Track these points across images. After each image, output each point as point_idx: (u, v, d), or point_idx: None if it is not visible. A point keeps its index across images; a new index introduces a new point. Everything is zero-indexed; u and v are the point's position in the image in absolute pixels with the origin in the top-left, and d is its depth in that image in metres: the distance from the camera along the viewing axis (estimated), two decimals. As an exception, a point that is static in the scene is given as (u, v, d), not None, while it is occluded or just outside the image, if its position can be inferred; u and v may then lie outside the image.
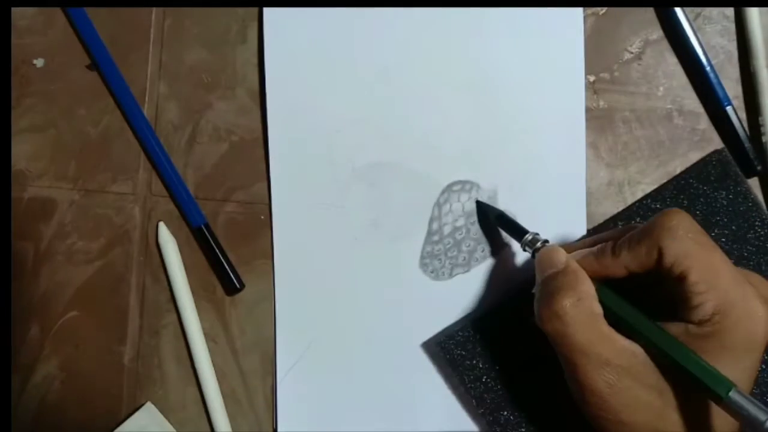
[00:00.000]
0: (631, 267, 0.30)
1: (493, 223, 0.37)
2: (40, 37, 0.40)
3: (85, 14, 0.39)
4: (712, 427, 0.28)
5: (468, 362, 0.36)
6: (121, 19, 0.40)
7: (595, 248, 0.31)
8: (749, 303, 0.27)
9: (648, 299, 0.30)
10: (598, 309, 0.30)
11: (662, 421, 0.28)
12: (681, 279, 0.28)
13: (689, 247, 0.28)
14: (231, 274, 0.38)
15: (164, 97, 0.40)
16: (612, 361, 0.28)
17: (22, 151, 0.40)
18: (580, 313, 0.29)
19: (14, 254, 0.40)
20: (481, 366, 0.36)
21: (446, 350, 0.37)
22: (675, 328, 0.28)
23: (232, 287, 0.38)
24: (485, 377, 0.36)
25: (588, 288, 0.30)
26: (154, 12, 0.40)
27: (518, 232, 0.34)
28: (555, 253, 0.32)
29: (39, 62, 0.40)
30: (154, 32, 0.40)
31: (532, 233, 0.33)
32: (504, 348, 0.36)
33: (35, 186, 0.40)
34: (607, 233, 0.33)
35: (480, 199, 0.38)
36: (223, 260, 0.38)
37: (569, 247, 0.33)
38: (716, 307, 0.27)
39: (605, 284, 0.30)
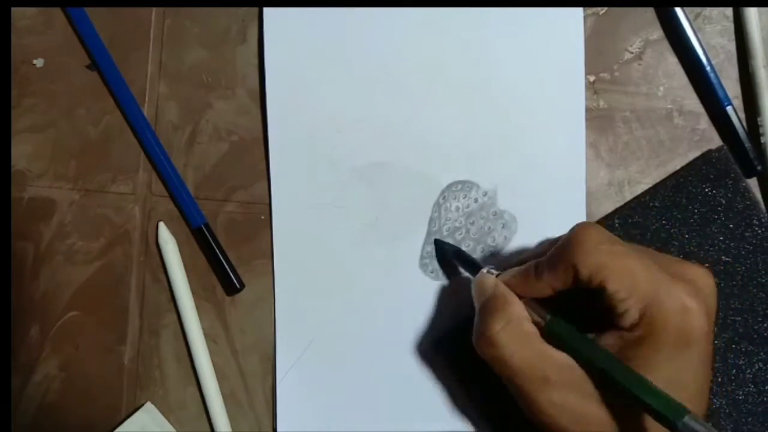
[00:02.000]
0: (554, 286, 0.30)
1: (451, 258, 0.37)
2: (40, 37, 0.40)
3: (85, 14, 0.39)
4: None
5: (466, 361, 0.36)
6: (121, 19, 0.40)
7: (521, 268, 0.31)
8: (676, 298, 0.27)
9: (586, 311, 0.30)
10: (531, 328, 0.30)
11: (612, 428, 0.28)
12: (601, 290, 0.28)
13: (601, 258, 0.28)
14: (231, 274, 0.38)
15: (164, 97, 0.40)
16: (552, 378, 0.28)
17: (22, 151, 0.40)
18: (512, 335, 0.29)
19: (14, 254, 0.40)
20: (479, 365, 0.36)
21: (444, 349, 0.37)
22: (611, 338, 0.28)
23: (232, 287, 0.39)
24: (483, 376, 0.36)
25: (517, 309, 0.30)
26: (154, 12, 0.40)
27: (474, 267, 0.34)
28: (485, 280, 0.32)
29: (39, 62, 0.40)
30: (154, 32, 0.40)
31: (487, 267, 0.33)
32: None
33: (35, 186, 0.40)
34: (534, 250, 0.33)
35: (480, 198, 0.38)
36: (223, 260, 0.38)
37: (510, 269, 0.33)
38: (641, 309, 0.27)
39: (543, 305, 0.30)
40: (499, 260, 0.38)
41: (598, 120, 0.38)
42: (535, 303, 0.31)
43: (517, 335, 0.29)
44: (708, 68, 0.37)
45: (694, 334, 0.27)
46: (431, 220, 0.38)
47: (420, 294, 0.38)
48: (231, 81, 0.40)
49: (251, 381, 0.39)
